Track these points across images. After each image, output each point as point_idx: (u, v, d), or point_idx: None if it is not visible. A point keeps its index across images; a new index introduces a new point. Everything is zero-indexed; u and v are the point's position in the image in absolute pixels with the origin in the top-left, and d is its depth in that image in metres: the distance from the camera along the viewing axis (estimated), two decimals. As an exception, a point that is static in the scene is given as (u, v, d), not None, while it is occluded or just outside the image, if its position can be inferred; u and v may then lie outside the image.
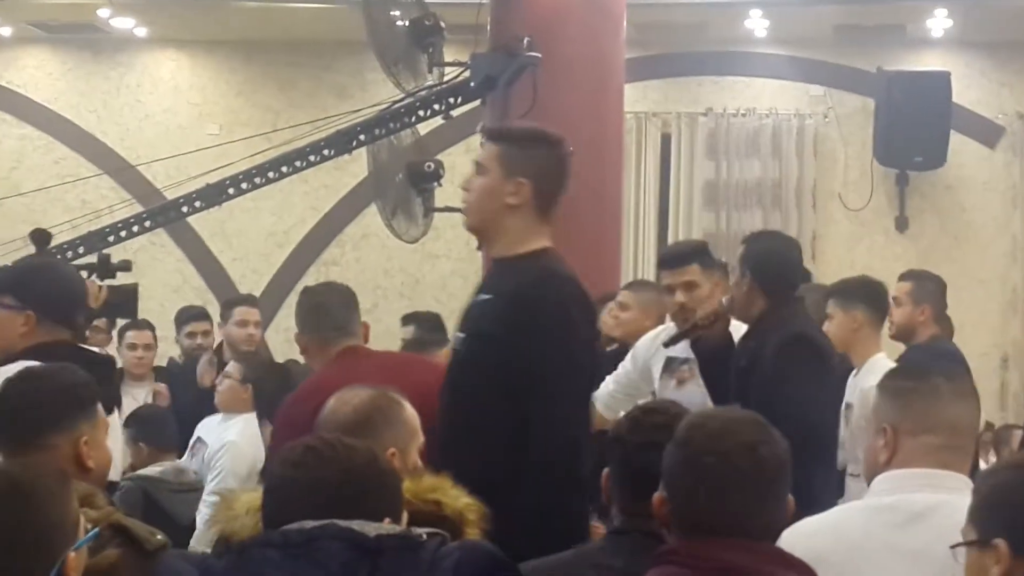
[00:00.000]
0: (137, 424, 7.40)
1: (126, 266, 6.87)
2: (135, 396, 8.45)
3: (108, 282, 7.15)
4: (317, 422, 3.80)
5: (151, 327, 9.11)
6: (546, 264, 4.40)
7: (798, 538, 3.26)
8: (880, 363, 6.28)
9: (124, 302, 6.59)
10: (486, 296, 4.45)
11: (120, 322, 8.43)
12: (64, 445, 3.60)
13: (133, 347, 8.91)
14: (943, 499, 3.29)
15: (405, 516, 3.07)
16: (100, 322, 8.64)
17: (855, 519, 3.40)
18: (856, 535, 3.32)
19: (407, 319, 9.63)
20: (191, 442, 7.61)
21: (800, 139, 13.24)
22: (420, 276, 13.55)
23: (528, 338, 4.24)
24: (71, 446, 3.62)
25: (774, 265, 5.93)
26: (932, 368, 3.69)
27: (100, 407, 3.74)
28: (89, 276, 6.04)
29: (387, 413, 3.79)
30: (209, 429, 7.51)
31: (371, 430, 3.68)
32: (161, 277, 13.77)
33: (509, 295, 4.34)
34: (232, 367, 7.69)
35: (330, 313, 5.37)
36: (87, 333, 7.19)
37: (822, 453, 5.58)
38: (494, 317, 4.36)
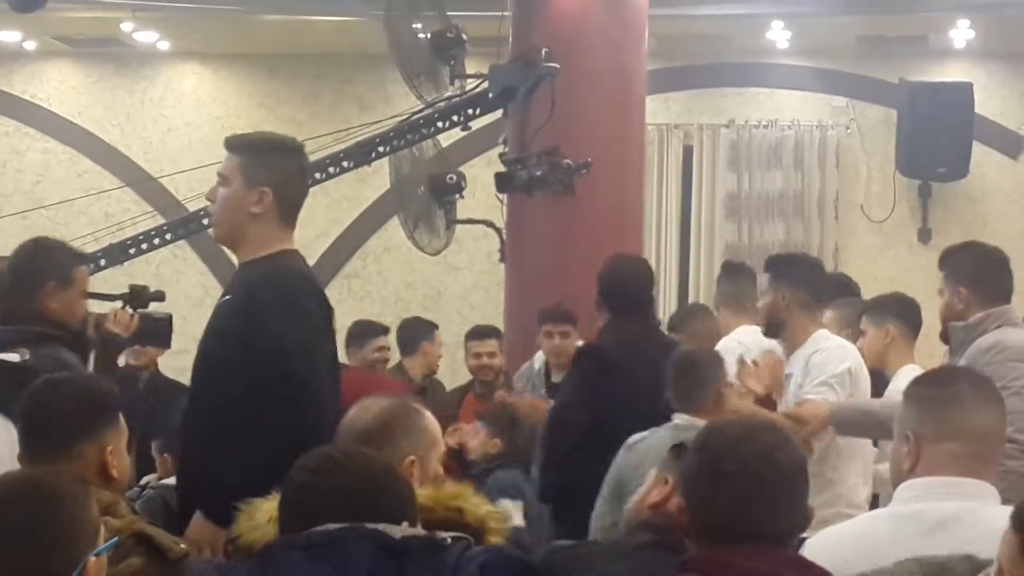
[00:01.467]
0: (163, 436, 7.51)
1: (159, 296, 6.93)
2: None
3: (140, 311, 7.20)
4: (337, 430, 3.81)
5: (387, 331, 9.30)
6: (282, 263, 4.58)
7: (823, 546, 3.26)
8: (909, 374, 6.30)
9: (157, 331, 6.65)
10: (227, 297, 4.63)
11: None
12: (91, 454, 3.63)
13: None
14: (967, 507, 3.28)
15: (419, 527, 3.08)
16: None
17: (880, 527, 3.40)
18: (881, 543, 3.31)
19: None
20: None
21: (822, 150, 13.21)
22: (442, 288, 13.55)
23: (264, 330, 4.38)
24: (98, 455, 3.63)
25: (610, 286, 6.68)
26: (957, 375, 3.66)
27: (121, 417, 3.76)
28: (123, 307, 6.06)
29: (405, 421, 3.79)
30: None
31: (389, 438, 3.69)
32: (184, 290, 13.78)
33: (244, 292, 4.51)
34: None
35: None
36: (126, 360, 7.27)
37: (593, 446, 6.01)
38: (230, 313, 4.52)
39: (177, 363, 9.50)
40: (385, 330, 9.43)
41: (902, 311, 6.80)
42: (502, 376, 8.57)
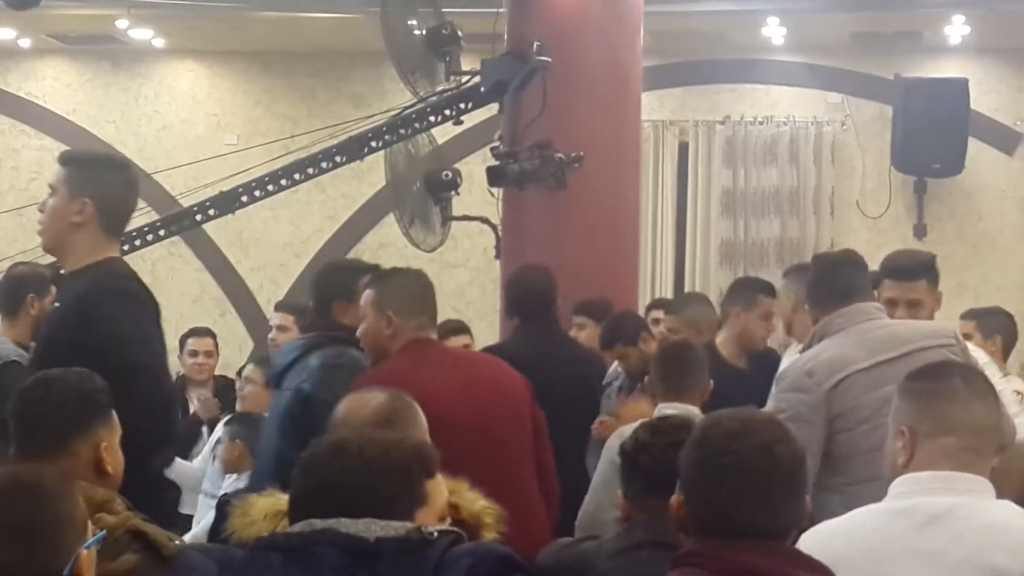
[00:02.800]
0: None
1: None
2: (193, 398, 8.79)
3: None
4: (332, 424, 3.80)
5: (211, 334, 9.25)
6: (107, 269, 4.75)
7: (817, 540, 3.26)
8: None
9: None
10: (55, 305, 4.83)
11: None
12: (85, 451, 3.63)
13: (194, 354, 9.07)
14: (961, 501, 3.28)
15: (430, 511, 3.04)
16: None
17: (873, 521, 3.40)
18: (874, 537, 3.32)
19: None
20: (211, 445, 7.70)
21: (818, 147, 13.22)
22: (438, 285, 13.27)
23: (91, 336, 4.52)
24: (91, 451, 3.63)
25: (516, 294, 7.32)
26: (950, 369, 3.66)
27: (114, 412, 3.76)
28: None
29: (405, 415, 3.79)
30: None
31: (396, 428, 3.70)
32: (179, 287, 13.79)
33: (73, 299, 4.67)
34: (252, 371, 7.79)
35: (430, 300, 5.47)
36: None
37: None
38: (60, 321, 4.69)
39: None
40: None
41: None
42: None
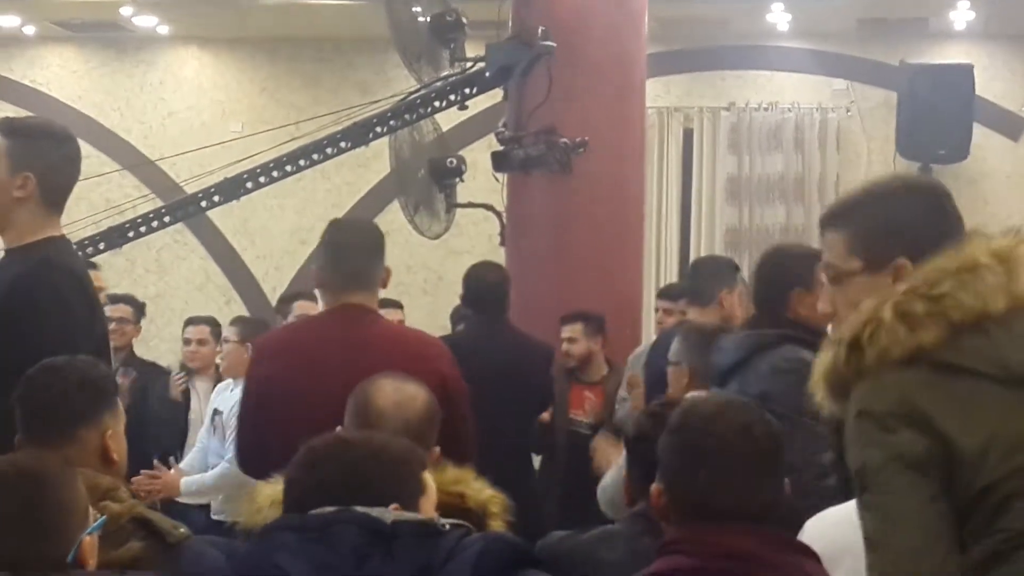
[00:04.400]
0: None
1: None
2: (198, 390, 8.75)
3: None
4: (371, 413, 3.76)
5: (209, 322, 9.25)
6: (47, 253, 4.57)
7: (821, 528, 3.26)
8: None
9: None
10: None
11: None
12: (92, 438, 3.63)
13: (188, 342, 9.10)
14: None
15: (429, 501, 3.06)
16: (127, 313, 8.84)
17: None
18: None
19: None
20: (209, 417, 7.78)
21: (823, 133, 13.22)
22: (443, 272, 13.55)
23: (25, 322, 4.39)
24: (98, 439, 3.64)
25: (469, 288, 7.59)
26: None
27: (119, 401, 3.76)
28: None
29: (437, 412, 3.81)
30: (223, 398, 7.66)
31: (432, 429, 3.71)
32: (185, 275, 13.81)
33: (8, 282, 4.50)
34: (228, 330, 7.92)
35: (348, 258, 5.14)
36: (112, 325, 7.32)
37: None
38: None
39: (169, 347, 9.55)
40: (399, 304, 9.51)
41: None
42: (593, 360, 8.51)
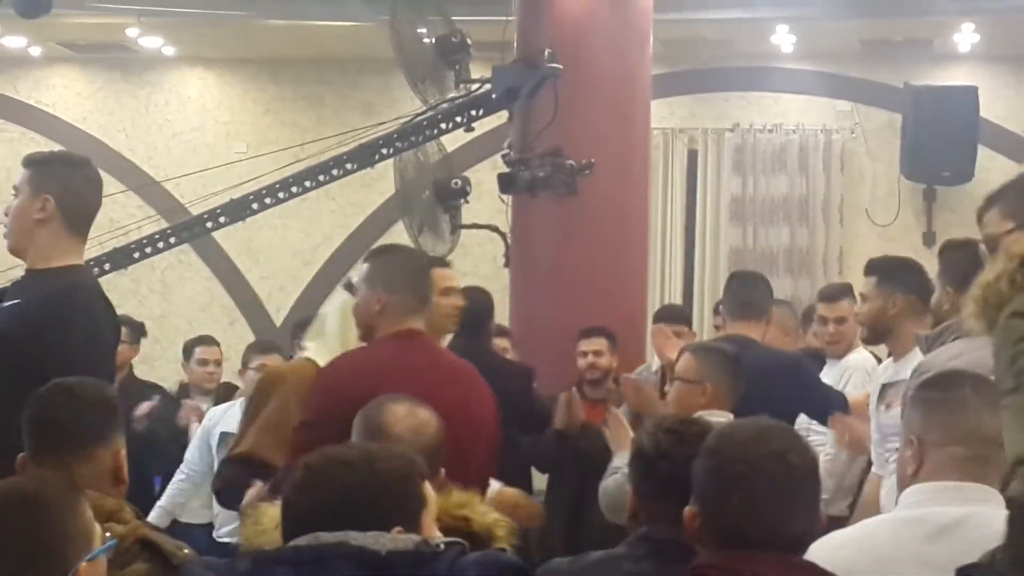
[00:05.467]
0: None
1: None
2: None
3: None
4: (382, 434, 3.76)
5: (218, 343, 9.29)
6: (76, 277, 4.75)
7: (826, 550, 3.25)
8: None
9: None
10: (14, 301, 4.69)
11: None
12: (104, 457, 3.64)
13: (204, 363, 9.11)
14: (972, 511, 3.27)
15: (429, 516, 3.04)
16: (123, 334, 8.81)
17: (884, 531, 3.39)
18: (885, 547, 3.31)
19: None
20: (217, 439, 7.80)
21: (827, 154, 13.21)
22: (447, 293, 13.54)
23: (53, 342, 4.51)
24: (111, 458, 3.65)
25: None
26: (961, 378, 3.64)
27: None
28: None
29: (444, 435, 3.81)
30: (230, 418, 7.67)
31: (441, 452, 3.71)
32: (189, 295, 13.81)
33: (39, 300, 4.62)
34: (261, 356, 7.95)
35: (425, 282, 5.15)
36: None
37: None
38: (21, 320, 4.61)
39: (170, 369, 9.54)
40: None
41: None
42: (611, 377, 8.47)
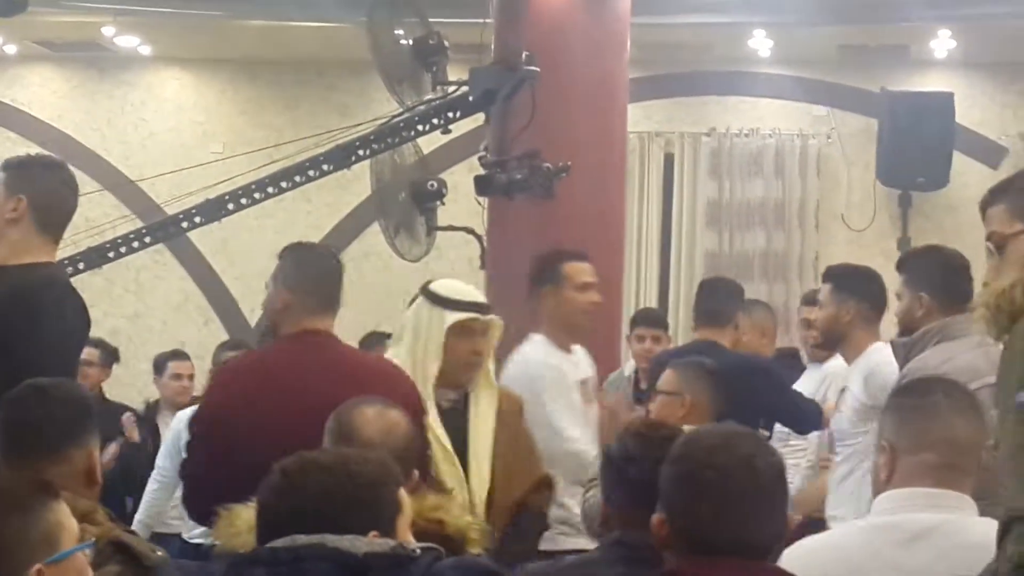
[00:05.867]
0: None
1: None
2: (170, 425, 8.69)
3: None
4: (352, 435, 3.74)
5: (188, 357, 9.28)
6: (46, 272, 4.83)
7: (799, 556, 3.25)
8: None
9: None
10: None
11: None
12: (79, 458, 3.63)
13: (178, 377, 9.11)
14: (944, 518, 3.28)
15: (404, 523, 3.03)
16: (92, 355, 8.79)
17: (857, 538, 3.40)
18: (858, 554, 3.31)
19: None
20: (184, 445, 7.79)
21: (803, 159, 13.24)
22: (423, 295, 13.52)
23: (24, 335, 4.54)
24: (85, 459, 3.64)
25: None
26: (932, 385, 3.65)
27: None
28: None
29: (416, 435, 3.80)
30: None
31: (412, 453, 3.70)
32: (163, 296, 13.77)
33: (8, 294, 4.66)
34: (219, 356, 8.00)
35: (329, 282, 5.12)
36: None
37: None
38: None
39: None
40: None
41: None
42: None
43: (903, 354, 5.27)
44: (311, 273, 5.08)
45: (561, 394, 6.32)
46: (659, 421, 4.03)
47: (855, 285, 6.26)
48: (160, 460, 8.23)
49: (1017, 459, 2.71)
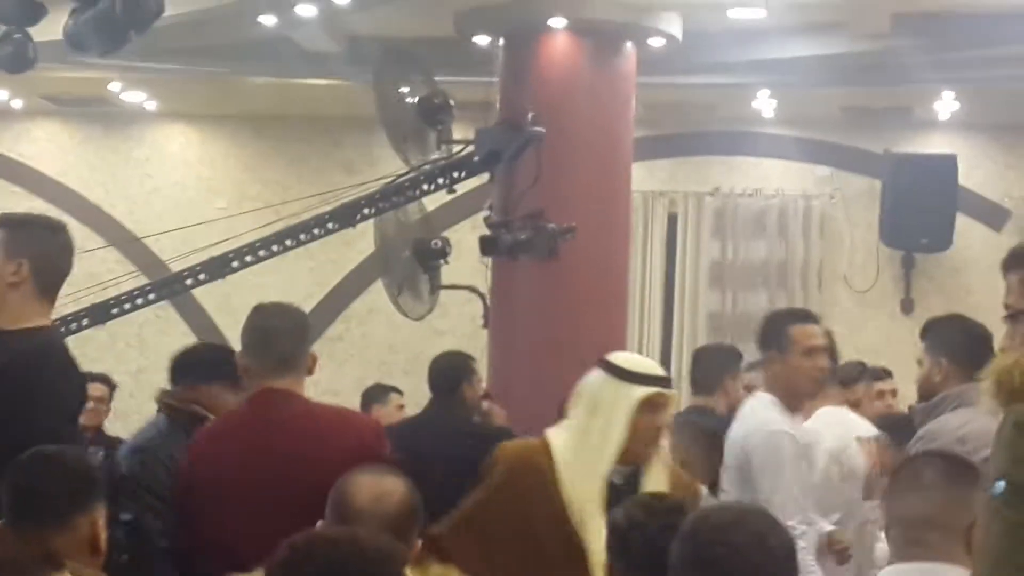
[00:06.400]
0: None
1: None
2: None
3: None
4: (347, 510, 3.70)
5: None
6: (45, 338, 4.78)
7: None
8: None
9: None
10: None
11: None
12: (84, 526, 3.61)
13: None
14: None
15: None
16: (103, 392, 8.82)
17: None
18: None
19: None
20: None
21: (806, 220, 13.26)
22: (425, 353, 13.47)
23: (25, 402, 4.47)
24: (90, 527, 3.62)
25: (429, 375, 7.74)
26: (910, 459, 3.67)
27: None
28: None
29: (419, 505, 3.75)
30: None
31: (414, 524, 3.66)
32: (167, 351, 13.59)
33: (8, 360, 4.59)
34: None
35: (275, 342, 5.00)
36: (90, 404, 7.33)
37: None
38: None
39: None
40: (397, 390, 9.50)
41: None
42: None
43: (921, 419, 5.28)
44: (258, 336, 5.02)
45: (797, 475, 5.98)
46: (663, 493, 4.01)
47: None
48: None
49: (987, 545, 2.72)
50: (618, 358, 4.94)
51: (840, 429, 6.84)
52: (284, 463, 4.64)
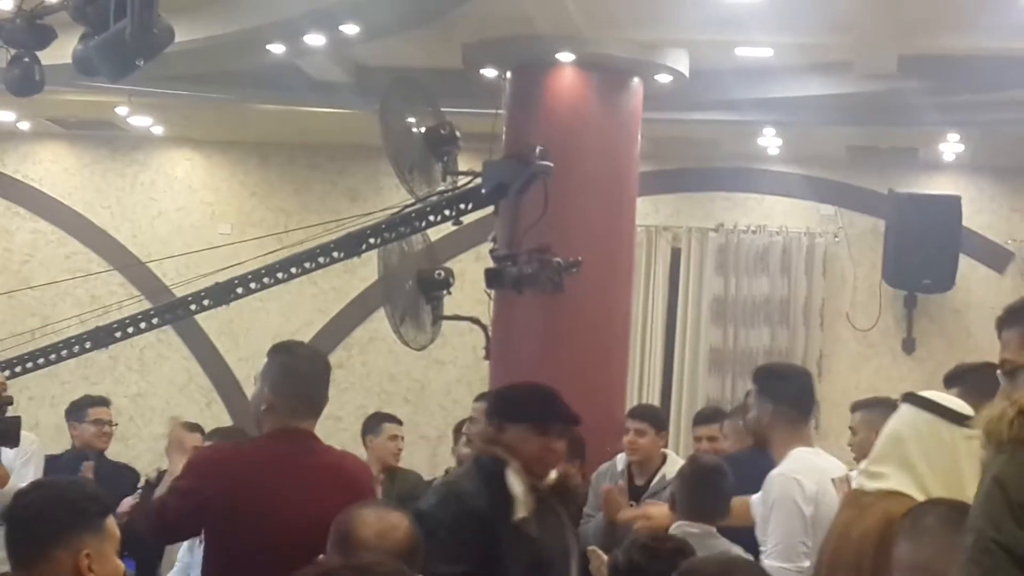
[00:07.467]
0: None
1: (8, 401, 7.37)
2: None
3: None
4: (351, 543, 3.70)
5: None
6: None
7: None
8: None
9: (7, 431, 7.14)
10: None
11: None
12: (65, 560, 3.58)
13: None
14: None
15: None
16: (109, 415, 8.86)
17: None
18: None
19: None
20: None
21: (810, 257, 13.26)
22: (426, 382, 13.53)
23: None
24: (71, 560, 3.58)
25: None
26: (924, 502, 3.67)
27: (110, 520, 3.70)
28: None
29: (420, 540, 3.75)
30: None
31: (417, 558, 3.66)
32: (167, 375, 13.76)
33: None
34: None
35: (310, 387, 5.14)
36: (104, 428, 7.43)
37: None
38: None
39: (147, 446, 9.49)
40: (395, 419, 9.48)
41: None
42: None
43: None
44: (294, 380, 5.10)
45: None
46: (665, 534, 4.02)
47: (776, 387, 6.09)
48: (180, 553, 8.09)
49: None
50: (944, 400, 4.48)
51: (816, 474, 6.77)
52: (302, 501, 4.77)
